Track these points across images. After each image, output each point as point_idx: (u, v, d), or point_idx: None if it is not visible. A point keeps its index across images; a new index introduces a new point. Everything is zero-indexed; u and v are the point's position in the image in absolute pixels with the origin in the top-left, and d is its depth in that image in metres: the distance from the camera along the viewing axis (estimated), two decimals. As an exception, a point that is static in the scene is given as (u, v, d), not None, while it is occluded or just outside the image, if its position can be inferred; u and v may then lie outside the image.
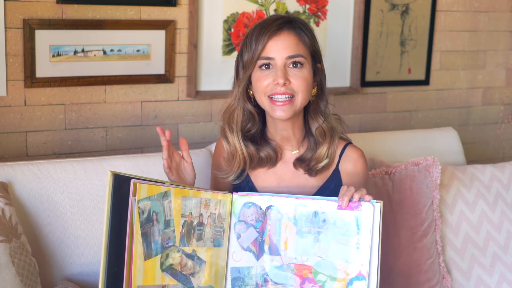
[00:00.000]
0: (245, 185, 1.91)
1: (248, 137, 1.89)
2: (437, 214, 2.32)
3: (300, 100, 1.81)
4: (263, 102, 1.83)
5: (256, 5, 2.59)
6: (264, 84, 1.80)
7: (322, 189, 1.88)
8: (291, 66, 1.79)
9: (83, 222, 2.02)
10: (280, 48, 1.79)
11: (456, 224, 2.39)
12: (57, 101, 2.33)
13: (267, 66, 1.80)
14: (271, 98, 1.80)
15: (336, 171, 1.90)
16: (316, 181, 1.89)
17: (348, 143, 1.93)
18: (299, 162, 1.89)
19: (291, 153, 1.91)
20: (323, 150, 1.87)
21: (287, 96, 1.79)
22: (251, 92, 1.86)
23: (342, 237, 1.67)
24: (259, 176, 1.92)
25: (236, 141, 1.87)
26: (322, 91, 1.89)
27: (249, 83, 1.86)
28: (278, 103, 1.79)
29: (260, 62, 1.80)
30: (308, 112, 1.89)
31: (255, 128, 1.90)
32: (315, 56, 1.86)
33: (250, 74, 1.83)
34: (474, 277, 2.35)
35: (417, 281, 2.25)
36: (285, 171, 1.91)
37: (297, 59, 1.79)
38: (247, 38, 1.84)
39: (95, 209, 2.04)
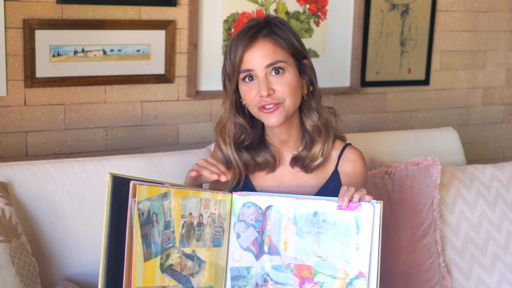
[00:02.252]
0: (244, 186, 1.90)
1: (244, 146, 1.87)
2: (437, 214, 2.32)
3: (288, 104, 1.77)
4: (255, 113, 1.80)
5: (256, 5, 2.59)
6: (251, 96, 1.78)
7: (321, 190, 1.87)
8: (273, 73, 1.76)
9: (83, 222, 2.02)
10: (257, 58, 1.75)
11: (456, 224, 2.39)
12: (57, 101, 2.33)
13: (250, 77, 1.77)
14: (260, 107, 1.78)
15: (336, 172, 1.89)
16: (316, 182, 1.89)
17: (347, 144, 1.93)
18: (294, 161, 1.88)
19: (290, 155, 1.90)
20: (317, 148, 1.85)
21: (273, 105, 1.76)
22: (244, 102, 1.83)
23: (342, 237, 1.66)
24: (259, 178, 1.91)
25: (230, 153, 1.85)
26: (313, 87, 1.85)
27: (238, 94, 1.83)
28: (266, 111, 1.76)
29: (241, 75, 1.78)
30: (302, 110, 1.86)
31: (250, 139, 1.87)
32: (298, 55, 1.81)
33: (236, 86, 1.81)
34: (474, 277, 2.35)
35: (417, 281, 2.25)
36: (284, 172, 1.90)
37: (277, 65, 1.75)
38: (227, 49, 1.81)
39: (95, 209, 2.04)
